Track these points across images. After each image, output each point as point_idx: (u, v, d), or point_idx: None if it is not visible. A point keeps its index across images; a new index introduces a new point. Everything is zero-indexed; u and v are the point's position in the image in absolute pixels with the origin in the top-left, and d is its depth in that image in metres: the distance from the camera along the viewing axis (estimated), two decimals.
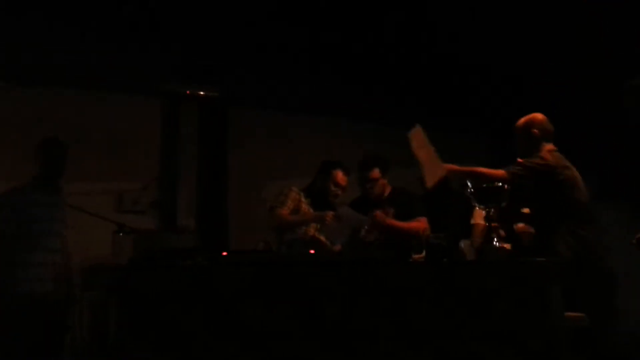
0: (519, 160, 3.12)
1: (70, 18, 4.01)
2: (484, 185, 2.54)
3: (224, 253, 2.63)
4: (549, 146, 3.12)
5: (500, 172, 2.97)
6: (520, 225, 3.21)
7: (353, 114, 5.55)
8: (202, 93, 5.03)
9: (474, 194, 2.54)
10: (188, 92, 5.00)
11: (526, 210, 3.23)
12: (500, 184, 2.56)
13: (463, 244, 2.60)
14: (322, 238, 3.55)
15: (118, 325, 2.31)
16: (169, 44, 4.49)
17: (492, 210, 2.49)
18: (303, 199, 3.68)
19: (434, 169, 2.89)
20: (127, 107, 4.80)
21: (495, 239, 2.46)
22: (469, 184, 2.58)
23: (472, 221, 3.98)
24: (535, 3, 3.95)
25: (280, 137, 5.26)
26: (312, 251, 2.73)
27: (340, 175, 3.69)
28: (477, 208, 3.79)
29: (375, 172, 3.63)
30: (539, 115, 3.19)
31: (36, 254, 3.19)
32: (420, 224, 3.51)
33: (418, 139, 2.97)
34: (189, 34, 4.45)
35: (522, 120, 3.21)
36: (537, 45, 4.47)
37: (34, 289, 3.14)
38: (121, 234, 3.81)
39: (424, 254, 2.54)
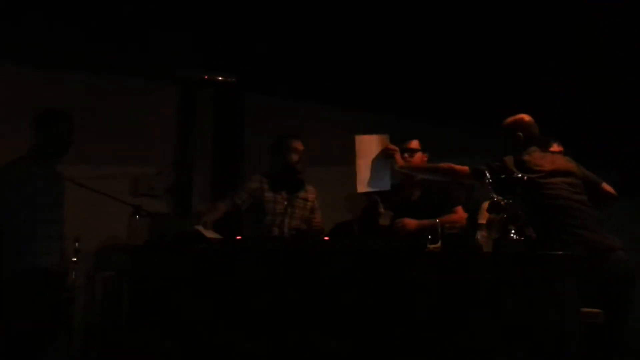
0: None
1: (90, 4, 4.02)
2: (502, 176, 2.50)
3: (238, 237, 2.63)
4: (531, 149, 3.06)
5: (465, 168, 3.01)
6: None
7: (370, 104, 5.51)
8: (219, 79, 5.03)
9: (491, 184, 2.50)
10: (205, 77, 5.00)
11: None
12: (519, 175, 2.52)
13: (479, 235, 2.57)
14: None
15: (130, 306, 2.32)
16: (187, 29, 4.49)
17: (510, 201, 2.45)
18: (265, 185, 3.61)
19: (365, 177, 3.27)
20: (144, 93, 4.81)
21: (513, 231, 2.42)
22: (487, 174, 2.54)
23: (480, 220, 3.92)
24: None
25: (295, 124, 5.23)
26: (326, 238, 2.71)
27: (295, 143, 3.61)
28: (482, 207, 3.76)
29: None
30: (525, 117, 3.13)
31: (41, 227, 3.11)
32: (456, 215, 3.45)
33: (365, 147, 3.32)
34: (207, 19, 4.45)
35: (509, 120, 3.15)
36: (555, 39, 4.40)
37: (39, 262, 3.07)
38: (137, 217, 3.84)
39: (440, 244, 2.52)
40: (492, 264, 2.42)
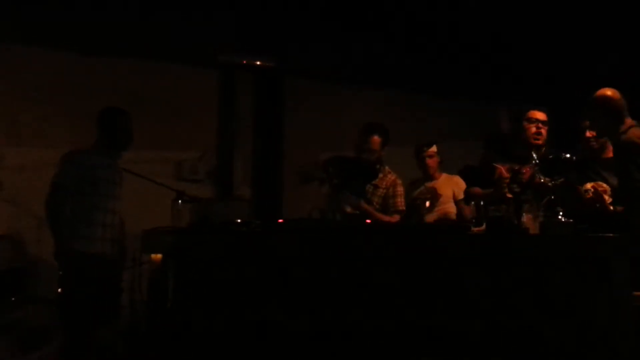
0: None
1: None
2: (550, 156, 2.43)
3: (280, 220, 2.65)
4: (629, 121, 2.90)
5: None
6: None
7: (408, 85, 5.45)
8: (258, 63, 5.04)
9: (539, 165, 2.43)
10: (244, 62, 5.02)
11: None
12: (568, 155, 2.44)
13: (525, 217, 2.51)
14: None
15: (175, 286, 2.37)
16: (227, 14, 4.51)
17: (558, 182, 2.38)
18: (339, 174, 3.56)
19: None
20: (185, 77, 4.86)
21: (560, 213, 2.36)
22: (533, 155, 2.47)
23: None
24: None
25: (335, 107, 5.22)
26: (368, 221, 2.70)
27: (365, 141, 3.48)
28: None
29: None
30: (608, 90, 2.98)
31: (98, 214, 3.27)
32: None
33: None
34: (246, 4, 4.45)
35: (595, 96, 2.99)
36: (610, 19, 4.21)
37: (94, 247, 3.22)
38: (180, 202, 3.90)
39: (484, 227, 2.47)
40: (537, 246, 2.37)
